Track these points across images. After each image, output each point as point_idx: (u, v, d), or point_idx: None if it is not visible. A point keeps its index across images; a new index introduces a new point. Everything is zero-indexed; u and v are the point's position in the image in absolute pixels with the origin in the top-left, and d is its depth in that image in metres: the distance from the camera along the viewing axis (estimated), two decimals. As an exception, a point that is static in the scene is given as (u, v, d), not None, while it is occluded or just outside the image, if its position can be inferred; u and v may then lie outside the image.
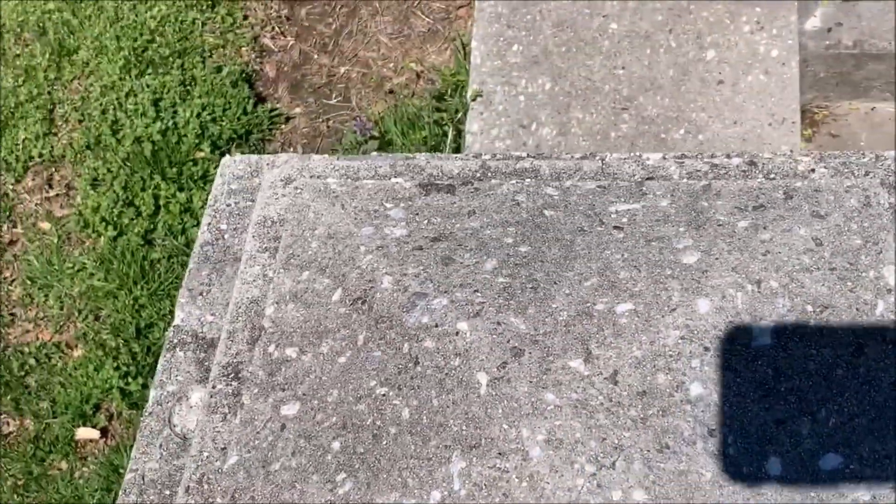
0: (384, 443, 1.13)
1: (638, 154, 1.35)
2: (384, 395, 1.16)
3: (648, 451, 1.08)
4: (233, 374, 1.23)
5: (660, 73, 2.53)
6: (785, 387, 1.11)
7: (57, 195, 2.82)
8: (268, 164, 1.40)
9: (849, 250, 1.20)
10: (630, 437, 1.09)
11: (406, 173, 1.36)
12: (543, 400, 1.12)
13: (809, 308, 1.16)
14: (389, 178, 1.36)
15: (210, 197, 1.43)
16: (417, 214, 1.30)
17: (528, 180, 1.32)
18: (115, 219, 2.66)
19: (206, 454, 1.17)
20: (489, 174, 1.35)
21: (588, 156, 1.35)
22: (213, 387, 1.21)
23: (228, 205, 1.41)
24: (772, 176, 1.28)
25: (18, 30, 2.96)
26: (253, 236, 1.34)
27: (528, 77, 2.59)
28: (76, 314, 2.62)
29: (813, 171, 1.29)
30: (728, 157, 1.32)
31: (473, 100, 2.59)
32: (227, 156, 1.49)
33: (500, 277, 1.22)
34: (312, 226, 1.32)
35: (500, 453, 1.10)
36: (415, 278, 1.23)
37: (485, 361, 1.15)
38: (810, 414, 1.10)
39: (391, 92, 2.84)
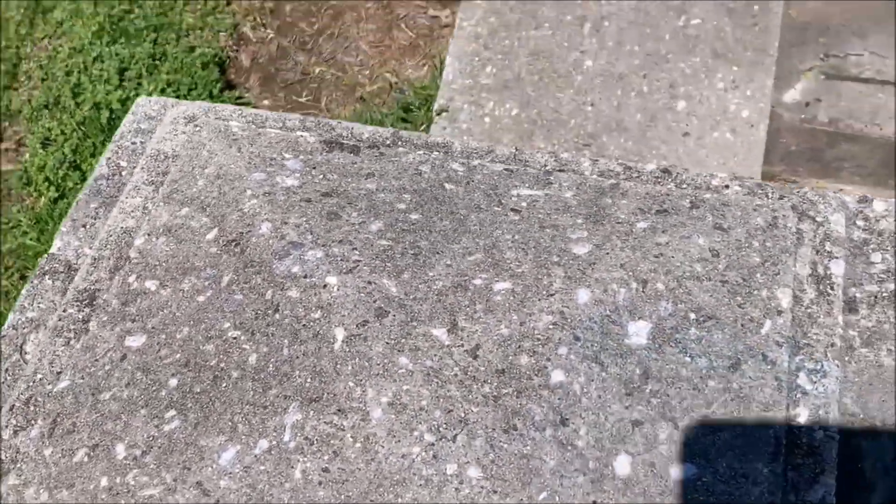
0: (223, 385, 1.06)
1: (555, 151, 1.30)
2: (235, 338, 1.09)
3: (494, 429, 1.01)
4: (87, 301, 1.16)
5: (628, 115, 2.49)
6: (651, 389, 1.05)
7: (6, 149, 2.77)
8: (174, 105, 1.35)
9: (745, 266, 1.14)
10: (478, 413, 1.02)
11: (314, 129, 1.31)
12: (396, 363, 1.05)
13: (692, 315, 1.10)
14: (295, 132, 1.31)
15: (117, 133, 1.37)
16: (314, 168, 1.25)
17: (436, 153, 1.27)
18: (59, 180, 2.60)
19: (39, 376, 1.10)
20: (399, 143, 1.29)
21: (505, 146, 1.29)
22: (64, 311, 1.15)
23: (133, 143, 1.36)
24: (683, 185, 1.23)
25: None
26: (142, 168, 1.28)
27: (497, 100, 2.55)
28: (2, 271, 2.55)
29: (727, 187, 1.24)
30: (644, 163, 1.27)
31: (438, 114, 2.55)
32: (142, 96, 1.43)
33: (382, 240, 1.16)
34: (204, 164, 1.26)
35: (339, 410, 1.03)
36: (295, 228, 1.17)
37: (346, 318, 1.09)
38: (672, 420, 1.03)
39: (362, 99, 2.80)
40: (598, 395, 1.05)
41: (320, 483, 1.00)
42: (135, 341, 1.13)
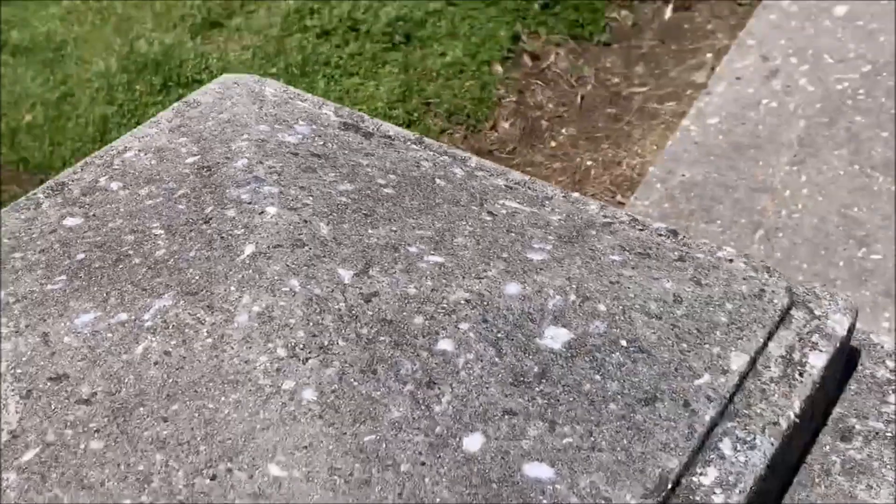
0: (119, 267, 1.04)
1: (576, 195, 1.24)
2: (155, 235, 1.07)
3: (352, 366, 0.93)
4: (55, 189, 1.18)
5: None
6: (542, 389, 0.94)
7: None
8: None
9: (706, 321, 1.02)
10: (342, 347, 0.94)
11: (341, 113, 1.31)
12: (285, 282, 0.99)
13: (623, 343, 0.99)
14: (321, 108, 1.31)
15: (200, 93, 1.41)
16: (319, 136, 1.24)
17: (446, 157, 1.23)
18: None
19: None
20: (417, 143, 1.27)
21: (527, 178, 1.25)
22: (33, 195, 1.17)
23: (190, 99, 1.40)
24: (682, 245, 1.13)
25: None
26: (172, 109, 1.31)
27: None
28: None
29: (731, 260, 1.13)
30: (654, 223, 1.18)
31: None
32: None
33: (343, 197, 1.13)
34: (220, 111, 1.28)
35: (209, 306, 0.98)
36: (266, 168, 1.16)
37: (263, 239, 1.04)
38: (550, 423, 0.91)
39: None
40: (479, 375, 0.94)
41: (156, 363, 0.94)
42: (71, 221, 1.12)
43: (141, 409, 0.90)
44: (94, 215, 1.12)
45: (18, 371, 0.95)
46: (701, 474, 0.92)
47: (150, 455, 0.87)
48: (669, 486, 0.89)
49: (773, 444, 0.95)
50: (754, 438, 0.96)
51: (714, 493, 0.91)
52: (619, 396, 0.95)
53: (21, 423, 0.91)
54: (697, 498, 0.90)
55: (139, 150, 1.23)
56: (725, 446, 0.95)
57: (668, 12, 3.32)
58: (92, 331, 0.97)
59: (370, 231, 1.08)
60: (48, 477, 0.86)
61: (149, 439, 0.88)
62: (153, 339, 0.96)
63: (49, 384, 0.93)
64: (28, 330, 0.98)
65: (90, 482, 0.86)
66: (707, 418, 0.95)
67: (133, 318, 0.98)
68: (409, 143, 1.27)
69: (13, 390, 0.93)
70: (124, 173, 1.19)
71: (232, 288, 0.99)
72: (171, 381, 0.92)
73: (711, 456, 0.94)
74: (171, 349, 0.94)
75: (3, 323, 0.99)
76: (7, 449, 0.88)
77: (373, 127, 1.29)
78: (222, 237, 1.06)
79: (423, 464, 0.87)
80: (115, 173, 1.19)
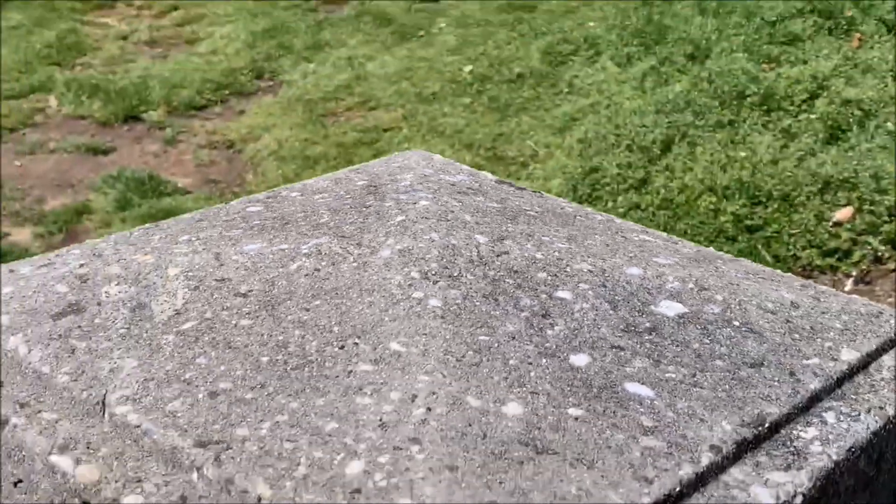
0: (287, 226, 1.19)
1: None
2: (321, 213, 1.23)
3: (476, 293, 1.03)
4: (248, 198, 1.36)
5: None
6: (651, 339, 1.01)
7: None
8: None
9: (820, 323, 1.08)
10: (469, 279, 1.05)
11: (500, 179, 1.46)
12: (427, 234, 1.12)
13: (736, 323, 1.06)
14: (480, 171, 1.46)
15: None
16: (475, 181, 1.39)
17: (589, 209, 1.36)
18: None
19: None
20: (567, 202, 1.40)
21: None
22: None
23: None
24: (811, 284, 1.21)
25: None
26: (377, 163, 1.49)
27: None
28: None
29: (850, 294, 1.19)
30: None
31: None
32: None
33: (490, 208, 1.26)
34: (394, 162, 1.46)
35: (358, 244, 1.11)
36: (425, 187, 1.31)
37: (412, 215, 1.18)
38: (655, 360, 0.98)
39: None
40: (593, 319, 1.02)
41: (306, 275, 1.06)
42: (253, 209, 1.29)
43: (288, 302, 1.02)
44: (273, 207, 1.28)
45: (190, 274, 1.08)
46: (801, 431, 0.95)
47: (289, 330, 0.98)
48: (766, 426, 0.92)
49: (877, 423, 0.97)
50: (859, 415, 0.98)
51: (812, 444, 0.93)
52: (725, 357, 1.00)
53: (185, 305, 1.03)
54: (797, 444, 0.92)
55: (320, 179, 1.40)
56: (829, 416, 0.97)
57: (849, 285, 3.36)
58: (257, 253, 1.10)
59: (509, 225, 1.19)
60: (201, 339, 0.98)
61: (291, 321, 0.99)
62: (306, 260, 1.08)
63: (214, 283, 1.06)
64: (204, 251, 1.12)
65: (236, 345, 0.96)
66: (811, 387, 0.98)
67: (292, 247, 1.11)
68: (558, 198, 1.40)
69: (184, 285, 1.06)
70: (304, 190, 1.36)
71: (380, 235, 1.12)
72: (316, 286, 1.03)
73: (813, 420, 0.96)
74: (320, 267, 1.06)
75: (183, 245, 1.13)
76: (170, 321, 1.01)
77: (528, 193, 1.43)
78: (377, 214, 1.19)
79: (531, 363, 0.94)
80: (295, 189, 1.36)
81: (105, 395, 0.91)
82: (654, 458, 0.85)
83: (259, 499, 0.79)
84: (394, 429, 0.84)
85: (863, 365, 1.04)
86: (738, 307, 1.08)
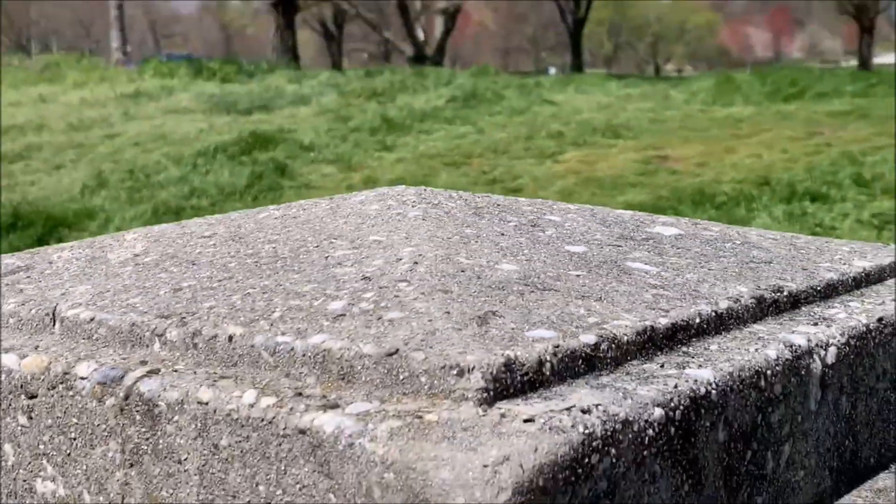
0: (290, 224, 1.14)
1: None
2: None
3: (462, 212, 0.98)
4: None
5: None
6: (649, 245, 0.96)
7: None
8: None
9: (827, 247, 1.04)
10: (455, 205, 1.00)
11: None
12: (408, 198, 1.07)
13: (737, 240, 1.01)
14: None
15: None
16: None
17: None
18: None
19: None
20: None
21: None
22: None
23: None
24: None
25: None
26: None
27: None
28: None
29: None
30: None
31: None
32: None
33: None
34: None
35: (330, 199, 1.06)
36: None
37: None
38: (658, 253, 0.92)
39: None
40: (586, 229, 0.97)
41: (275, 218, 1.01)
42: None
43: (258, 233, 0.95)
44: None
45: (150, 234, 1.02)
46: (824, 310, 0.87)
47: (258, 245, 0.91)
48: (785, 294, 0.85)
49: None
50: (883, 302, 0.91)
51: (839, 316, 0.86)
52: (730, 257, 0.93)
53: (146, 250, 0.96)
54: (823, 314, 0.85)
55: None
56: (852, 303, 0.90)
57: None
58: (224, 217, 1.04)
59: (483, 210, 1.14)
60: (162, 264, 0.90)
61: (261, 241, 0.92)
62: (276, 211, 1.02)
63: (176, 233, 1.00)
64: (167, 228, 1.05)
65: (200, 261, 0.89)
66: (828, 276, 0.91)
67: (280, 211, 1.05)
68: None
69: (143, 238, 1.00)
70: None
71: (353, 198, 1.06)
72: (287, 222, 0.97)
73: (835, 304, 0.89)
74: (290, 213, 1.00)
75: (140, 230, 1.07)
76: (128, 261, 0.93)
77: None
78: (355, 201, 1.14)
79: (523, 246, 0.87)
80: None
81: (55, 308, 0.82)
82: (667, 300, 0.77)
83: (230, 338, 0.69)
84: (378, 279, 0.76)
85: (877, 277, 0.97)
86: (736, 233, 1.02)
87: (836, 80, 10.14)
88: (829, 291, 0.90)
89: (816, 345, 0.78)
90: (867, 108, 8.00)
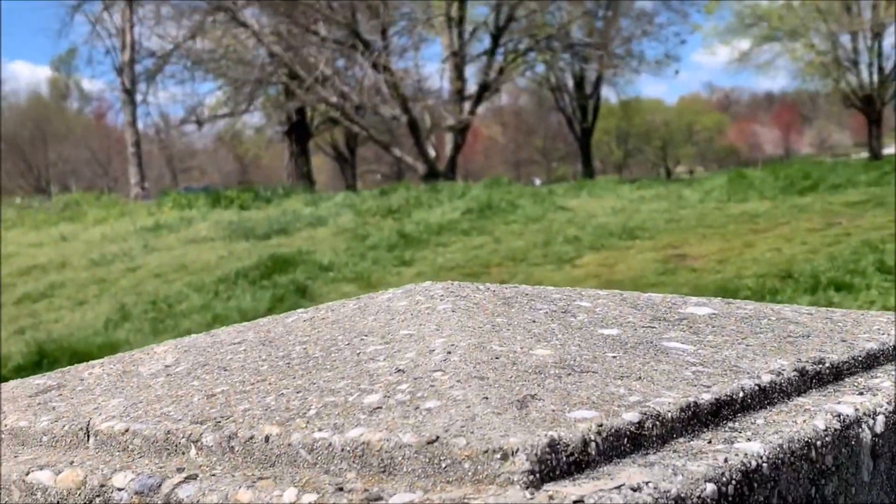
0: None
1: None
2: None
3: (488, 302, 0.98)
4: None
5: None
6: (684, 325, 0.96)
7: None
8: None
9: (864, 320, 1.03)
10: (484, 297, 1.00)
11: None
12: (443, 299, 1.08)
13: (772, 317, 1.00)
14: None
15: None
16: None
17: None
18: None
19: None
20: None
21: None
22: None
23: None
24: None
25: None
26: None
27: None
28: None
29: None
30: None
31: None
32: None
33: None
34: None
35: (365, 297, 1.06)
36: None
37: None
38: (694, 332, 0.92)
39: None
40: (618, 313, 0.96)
41: (304, 321, 1.01)
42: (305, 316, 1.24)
43: (287, 336, 0.95)
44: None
45: (180, 345, 1.01)
46: (867, 380, 0.86)
47: (289, 347, 0.90)
48: (827, 366, 0.84)
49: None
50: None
51: (884, 384, 0.84)
52: (767, 332, 0.92)
53: (176, 360, 0.96)
54: (867, 384, 0.84)
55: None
56: (894, 371, 0.89)
57: None
58: (251, 325, 1.04)
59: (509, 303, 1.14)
60: (194, 373, 0.90)
61: (291, 342, 0.91)
62: (304, 314, 1.02)
63: (205, 342, 0.99)
64: (198, 337, 1.05)
65: (231, 367, 0.88)
66: (868, 346, 0.90)
67: (309, 314, 1.05)
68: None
69: (173, 350, 0.99)
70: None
71: (384, 294, 1.06)
72: (316, 324, 0.97)
73: (878, 374, 0.88)
74: (317, 315, 1.00)
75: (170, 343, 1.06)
76: (159, 372, 0.93)
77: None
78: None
79: (556, 332, 0.87)
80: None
81: (89, 422, 0.81)
82: (708, 376, 0.76)
83: (267, 438, 0.68)
84: (412, 371, 0.75)
85: (916, 344, 0.95)
86: (770, 310, 1.01)
87: (849, 171, 10.19)
88: (871, 361, 0.88)
89: (864, 414, 0.76)
90: (882, 196, 8.02)
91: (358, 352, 0.84)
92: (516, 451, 0.59)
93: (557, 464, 0.60)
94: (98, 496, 0.72)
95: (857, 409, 0.76)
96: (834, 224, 6.87)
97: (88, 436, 0.80)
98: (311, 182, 19.98)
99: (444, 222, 8.79)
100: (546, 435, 0.60)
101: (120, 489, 0.71)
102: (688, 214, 8.35)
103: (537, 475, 0.58)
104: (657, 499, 0.58)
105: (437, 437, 0.61)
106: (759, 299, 5.03)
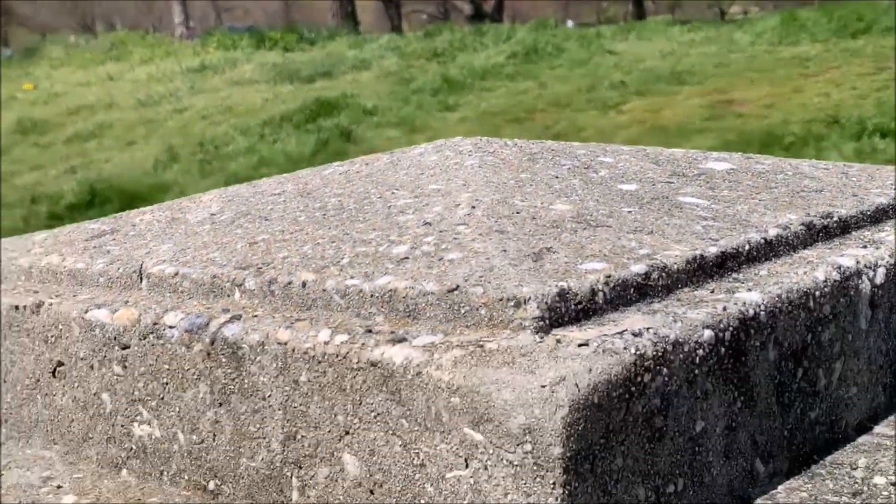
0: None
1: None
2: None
3: (516, 159, 1.02)
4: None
5: None
6: (701, 180, 0.99)
7: None
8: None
9: (880, 174, 1.06)
10: (510, 153, 1.04)
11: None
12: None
13: (789, 172, 1.03)
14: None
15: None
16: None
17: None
18: None
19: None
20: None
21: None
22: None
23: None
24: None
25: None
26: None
27: None
28: None
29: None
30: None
31: None
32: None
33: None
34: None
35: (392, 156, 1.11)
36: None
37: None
38: (709, 187, 0.96)
39: None
40: (639, 168, 1.00)
41: (340, 174, 1.05)
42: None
43: (323, 188, 1.00)
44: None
45: (225, 195, 1.07)
46: (874, 233, 0.90)
47: (325, 199, 0.95)
48: (835, 220, 0.88)
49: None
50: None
51: (889, 238, 0.88)
52: (781, 187, 0.96)
53: (221, 209, 1.01)
54: (873, 237, 0.87)
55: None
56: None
57: None
58: (291, 176, 1.09)
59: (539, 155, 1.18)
60: (237, 221, 0.95)
61: (327, 194, 0.97)
62: (339, 167, 1.07)
63: (248, 192, 1.05)
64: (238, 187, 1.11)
65: (272, 217, 0.94)
66: (878, 201, 0.94)
67: (344, 167, 1.10)
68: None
69: (219, 199, 1.05)
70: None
71: (415, 149, 1.11)
72: (350, 177, 1.02)
73: (886, 227, 0.91)
74: (352, 168, 1.05)
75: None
76: (205, 220, 0.99)
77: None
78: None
79: (576, 186, 0.91)
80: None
81: (142, 265, 0.87)
82: (717, 230, 0.80)
83: (304, 283, 0.74)
84: (438, 224, 0.81)
85: (931, 201, 0.99)
86: (788, 165, 1.04)
87: (906, 13, 9.87)
88: (880, 216, 0.92)
89: (865, 266, 0.81)
90: (938, 39, 7.80)
91: (389, 205, 0.89)
92: (528, 300, 0.64)
93: (566, 311, 0.65)
94: (151, 332, 0.80)
95: (858, 262, 0.81)
96: (884, 69, 6.74)
97: (141, 278, 0.87)
98: (356, 23, 19.73)
99: (488, 66, 8.72)
100: (556, 285, 0.66)
101: (171, 327, 0.78)
102: (737, 58, 8.21)
103: (546, 321, 0.64)
104: (656, 343, 0.63)
105: (458, 286, 0.67)
106: (803, 146, 5.01)
